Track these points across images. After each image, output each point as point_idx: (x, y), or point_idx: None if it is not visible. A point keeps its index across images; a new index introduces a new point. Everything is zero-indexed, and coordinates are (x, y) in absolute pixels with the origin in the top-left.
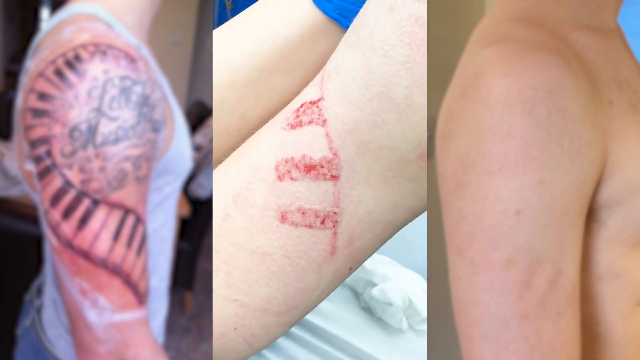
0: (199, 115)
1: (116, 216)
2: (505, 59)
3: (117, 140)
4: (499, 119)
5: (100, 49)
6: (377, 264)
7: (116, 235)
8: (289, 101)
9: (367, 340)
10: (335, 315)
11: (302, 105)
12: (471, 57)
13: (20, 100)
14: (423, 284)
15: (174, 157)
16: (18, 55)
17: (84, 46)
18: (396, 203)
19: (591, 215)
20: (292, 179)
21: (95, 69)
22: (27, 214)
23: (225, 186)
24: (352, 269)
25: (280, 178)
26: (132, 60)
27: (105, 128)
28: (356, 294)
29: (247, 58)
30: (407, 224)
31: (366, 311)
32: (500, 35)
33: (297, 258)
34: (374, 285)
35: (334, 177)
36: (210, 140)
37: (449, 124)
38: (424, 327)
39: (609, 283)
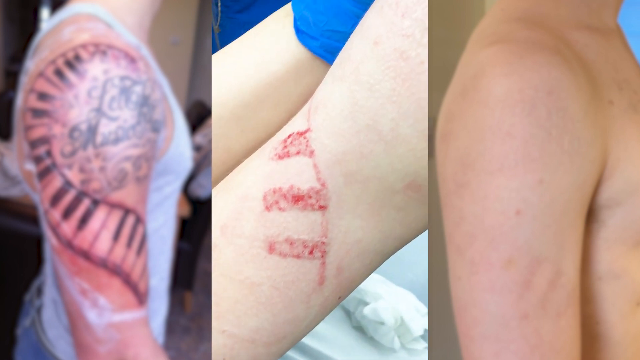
0: (199, 115)
1: (116, 216)
2: (505, 59)
3: (117, 140)
4: (499, 119)
5: (100, 49)
6: (369, 282)
7: (116, 235)
8: (274, 134)
9: None
10: (327, 334)
11: (289, 136)
12: (471, 57)
13: (20, 100)
14: (415, 302)
15: (174, 157)
16: (18, 55)
17: (84, 46)
18: (385, 232)
19: (591, 215)
20: (280, 209)
21: (95, 69)
22: (27, 214)
23: (213, 217)
24: (341, 298)
25: (268, 208)
26: (132, 60)
27: (105, 128)
28: (348, 313)
29: (233, 93)
30: (396, 252)
31: (358, 330)
32: (500, 35)
33: (286, 288)
34: (366, 304)
35: (322, 208)
36: (210, 141)
37: (449, 124)
38: (417, 346)
39: (609, 283)
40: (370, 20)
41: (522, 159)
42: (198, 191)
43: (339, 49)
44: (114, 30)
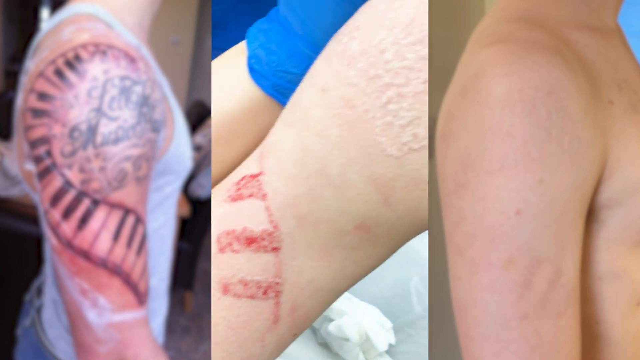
0: (199, 115)
1: (116, 216)
2: (505, 59)
3: (117, 140)
4: (499, 119)
5: (100, 49)
6: None
7: (116, 235)
8: (228, 170)
9: None
10: (293, 352)
11: (242, 178)
12: (471, 57)
13: (20, 100)
14: (380, 317)
15: (174, 157)
16: (18, 55)
17: (84, 46)
18: (337, 271)
19: (591, 215)
20: (233, 251)
21: (95, 69)
22: (27, 214)
23: None
24: (296, 335)
25: (222, 250)
26: (132, 60)
27: (105, 128)
28: (313, 330)
29: None
30: (349, 288)
31: (324, 347)
32: (500, 35)
33: (240, 328)
34: (331, 320)
35: (275, 249)
36: (210, 141)
37: (449, 124)
38: None
39: (609, 283)
40: (318, 68)
41: (522, 159)
42: (198, 191)
43: (290, 90)
44: (114, 30)
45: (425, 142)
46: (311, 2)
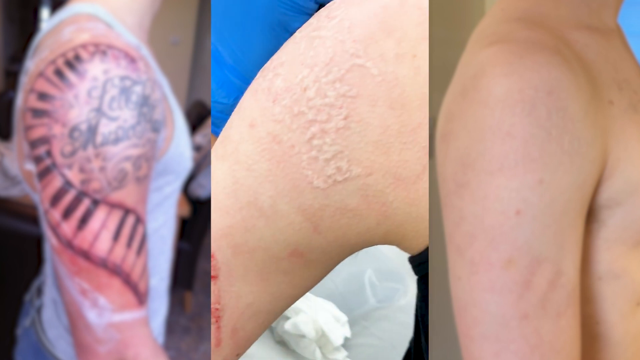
0: (199, 115)
1: (116, 216)
2: (505, 59)
3: (117, 140)
4: (499, 119)
5: (100, 49)
6: None
7: (116, 235)
8: None
9: None
10: (251, 351)
11: None
12: (471, 57)
13: (20, 100)
14: (335, 312)
15: (174, 157)
16: (18, 55)
17: (84, 46)
18: (274, 294)
19: (591, 215)
20: None
21: (95, 69)
22: (27, 214)
23: None
24: (239, 355)
25: None
26: (132, 60)
27: (105, 128)
28: (271, 329)
29: None
30: (288, 308)
31: (281, 345)
32: (500, 35)
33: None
34: (287, 318)
35: (213, 277)
36: (210, 141)
37: (449, 124)
38: (337, 355)
39: (609, 283)
40: (246, 103)
41: (522, 159)
42: (198, 191)
43: (222, 119)
44: (114, 30)
45: (349, 175)
46: (241, 33)
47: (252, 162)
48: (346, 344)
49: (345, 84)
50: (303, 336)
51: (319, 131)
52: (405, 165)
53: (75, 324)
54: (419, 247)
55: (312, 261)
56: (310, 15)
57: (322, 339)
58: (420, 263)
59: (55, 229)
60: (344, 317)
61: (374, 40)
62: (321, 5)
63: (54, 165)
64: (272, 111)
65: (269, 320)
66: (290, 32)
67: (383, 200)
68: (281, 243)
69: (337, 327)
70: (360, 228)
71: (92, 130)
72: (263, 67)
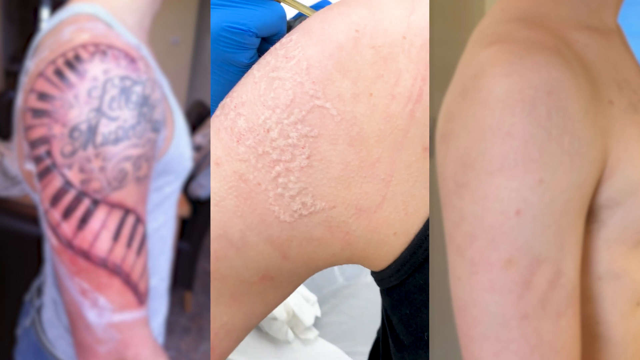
0: (199, 115)
1: (116, 216)
2: (505, 59)
3: (117, 140)
4: (499, 119)
5: (100, 49)
6: None
7: (116, 235)
8: None
9: (257, 357)
10: None
11: None
12: (471, 57)
13: (20, 100)
14: (304, 292)
15: (174, 157)
16: (18, 55)
17: (84, 46)
18: (247, 313)
19: (591, 215)
20: None
21: (95, 69)
22: (27, 214)
23: None
24: None
25: None
26: (132, 60)
27: (105, 128)
28: None
29: None
30: (260, 322)
31: (254, 328)
32: (500, 35)
33: None
34: None
35: None
36: (210, 141)
37: (449, 124)
38: (309, 335)
39: (609, 283)
40: (211, 141)
41: (522, 159)
42: (198, 191)
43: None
44: (114, 30)
45: (313, 209)
46: None
47: (219, 199)
48: (317, 323)
49: (307, 124)
50: (275, 319)
51: (283, 170)
52: (366, 196)
53: (75, 324)
54: (380, 266)
55: (281, 282)
56: (255, 48)
57: (293, 320)
58: (382, 278)
59: (55, 229)
60: (313, 297)
61: (331, 81)
62: (264, 39)
63: (54, 165)
64: (236, 150)
65: (242, 335)
66: (237, 66)
67: (346, 229)
68: (252, 269)
69: (307, 307)
70: (326, 254)
71: (92, 130)
72: (222, 103)
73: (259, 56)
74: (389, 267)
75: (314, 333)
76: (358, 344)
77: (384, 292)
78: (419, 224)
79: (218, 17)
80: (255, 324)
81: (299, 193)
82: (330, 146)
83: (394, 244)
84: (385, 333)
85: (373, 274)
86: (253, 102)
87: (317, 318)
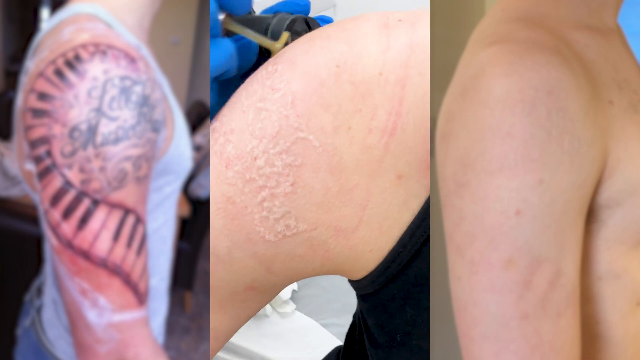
0: (199, 115)
1: (116, 216)
2: (505, 59)
3: (117, 140)
4: (499, 119)
5: (100, 49)
6: None
7: (116, 235)
8: None
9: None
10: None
11: None
12: (471, 57)
13: (20, 100)
14: None
15: (174, 157)
16: (18, 55)
17: (84, 46)
18: (233, 318)
19: (591, 215)
20: None
21: (95, 69)
22: (27, 214)
23: None
24: None
25: None
26: (132, 60)
27: (105, 128)
28: None
29: None
30: (242, 325)
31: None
32: (500, 35)
33: None
34: None
35: None
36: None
37: (449, 124)
38: (287, 308)
39: (609, 283)
40: None
41: (522, 159)
42: (198, 191)
43: None
44: (114, 30)
45: (296, 230)
46: None
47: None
48: (294, 297)
49: (291, 154)
50: None
51: (269, 195)
52: (344, 219)
53: (75, 324)
54: (357, 277)
55: (264, 291)
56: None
57: None
58: (358, 287)
59: (55, 229)
60: None
61: (314, 115)
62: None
63: (54, 165)
64: (225, 175)
65: (229, 337)
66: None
67: (326, 248)
68: (238, 282)
69: None
70: (307, 269)
71: (92, 130)
72: (212, 127)
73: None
74: (365, 278)
75: (291, 306)
76: (332, 316)
77: (360, 297)
78: (392, 242)
79: None
80: (239, 326)
81: (283, 216)
82: (313, 174)
83: (369, 259)
84: (360, 328)
85: (350, 281)
86: (241, 131)
87: (294, 292)
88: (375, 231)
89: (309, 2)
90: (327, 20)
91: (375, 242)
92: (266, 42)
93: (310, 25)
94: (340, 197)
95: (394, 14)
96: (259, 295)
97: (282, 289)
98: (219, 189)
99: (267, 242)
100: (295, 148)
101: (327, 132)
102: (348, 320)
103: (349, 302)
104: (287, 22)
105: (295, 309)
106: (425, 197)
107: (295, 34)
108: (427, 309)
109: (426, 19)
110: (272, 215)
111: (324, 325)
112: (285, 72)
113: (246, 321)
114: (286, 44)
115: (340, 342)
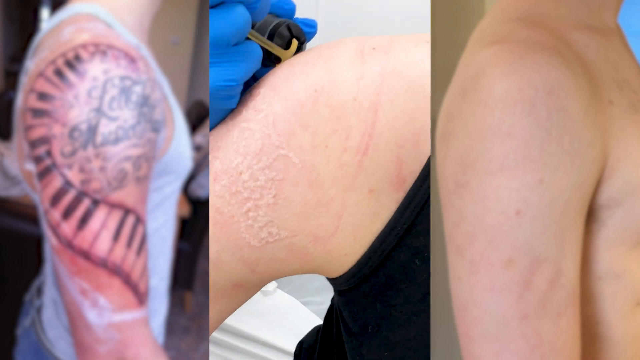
0: (199, 115)
1: (116, 216)
2: (505, 59)
3: (117, 140)
4: (499, 119)
5: (100, 49)
6: None
7: (116, 235)
8: None
9: None
10: None
11: None
12: (471, 57)
13: (20, 100)
14: None
15: (174, 157)
16: (18, 55)
17: (84, 46)
18: (221, 311)
19: (591, 215)
20: None
21: (95, 69)
22: (27, 214)
23: None
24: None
25: None
26: (132, 60)
27: (105, 128)
28: None
29: None
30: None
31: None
32: (500, 35)
33: None
34: None
35: None
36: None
37: (449, 124)
38: (269, 287)
39: (609, 283)
40: None
41: (522, 159)
42: (198, 191)
43: None
44: (114, 30)
45: (278, 237)
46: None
47: None
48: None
49: (273, 170)
50: None
51: (253, 206)
52: (321, 227)
53: (75, 324)
54: (333, 276)
55: (249, 288)
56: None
57: None
58: (334, 283)
59: (55, 229)
60: None
61: (294, 134)
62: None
63: (54, 165)
64: (213, 187)
65: (216, 327)
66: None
67: (305, 252)
68: (226, 281)
69: None
70: (288, 269)
71: (92, 130)
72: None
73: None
74: (340, 277)
75: (272, 285)
76: (312, 295)
77: (336, 292)
78: (365, 247)
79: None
80: (226, 317)
81: (266, 225)
82: (293, 188)
83: (344, 262)
84: (337, 315)
85: (327, 278)
86: (227, 148)
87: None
88: (350, 238)
89: (294, 7)
90: (310, 24)
91: (349, 247)
92: (277, 49)
93: (292, 31)
94: (318, 209)
95: (369, 41)
96: (244, 292)
97: (265, 284)
98: (210, 202)
99: (252, 247)
100: (277, 164)
101: (305, 150)
102: (327, 298)
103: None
104: (271, 26)
105: (277, 287)
106: (394, 209)
107: (279, 38)
108: (395, 305)
109: (399, 45)
110: (256, 223)
111: (304, 303)
112: (268, 95)
113: (231, 313)
114: (298, 49)
115: (319, 320)
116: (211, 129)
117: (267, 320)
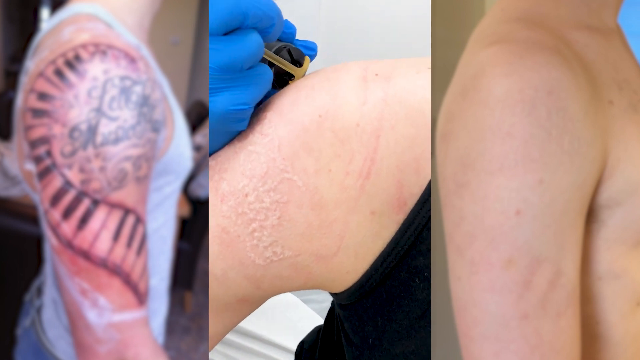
0: (199, 115)
1: (116, 216)
2: (505, 59)
3: (117, 140)
4: (499, 119)
5: (100, 49)
6: None
7: (116, 235)
8: None
9: None
10: None
11: None
12: (471, 57)
13: (20, 100)
14: None
15: (174, 157)
16: (18, 55)
17: (84, 46)
18: (226, 325)
19: (591, 215)
20: None
21: (95, 69)
22: (27, 214)
23: None
24: None
25: None
26: (132, 60)
27: (105, 128)
28: None
29: None
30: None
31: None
32: (500, 35)
33: None
34: None
35: None
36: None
37: (449, 124)
38: None
39: (609, 283)
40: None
41: (522, 159)
42: (198, 191)
43: None
44: (114, 30)
45: (282, 256)
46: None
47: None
48: None
49: (278, 192)
50: None
51: (258, 227)
52: (324, 247)
53: (75, 324)
54: (335, 292)
55: (254, 302)
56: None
57: None
58: (336, 298)
59: (55, 229)
60: None
61: (298, 158)
62: None
63: (54, 165)
64: (220, 208)
65: (221, 338)
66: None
67: (309, 270)
68: (231, 296)
69: None
70: (292, 286)
71: (92, 130)
72: (210, 165)
73: None
74: (342, 292)
75: None
76: (312, 292)
77: (338, 305)
78: (366, 265)
79: (221, 101)
80: (231, 329)
81: (271, 244)
82: (297, 210)
83: (346, 279)
84: (337, 326)
85: (330, 292)
86: (233, 170)
87: None
88: (352, 257)
89: (295, 30)
90: (310, 47)
91: (351, 266)
92: (290, 67)
93: (293, 54)
94: (321, 230)
95: (372, 67)
96: (248, 306)
97: (269, 299)
98: (215, 220)
99: (257, 266)
100: (282, 187)
101: (309, 174)
102: (328, 296)
103: None
104: (272, 50)
105: None
106: (395, 230)
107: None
108: (395, 320)
109: (401, 71)
110: (261, 243)
111: (305, 302)
112: (274, 119)
113: (235, 326)
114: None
115: (320, 318)
116: (219, 149)
117: (267, 317)
